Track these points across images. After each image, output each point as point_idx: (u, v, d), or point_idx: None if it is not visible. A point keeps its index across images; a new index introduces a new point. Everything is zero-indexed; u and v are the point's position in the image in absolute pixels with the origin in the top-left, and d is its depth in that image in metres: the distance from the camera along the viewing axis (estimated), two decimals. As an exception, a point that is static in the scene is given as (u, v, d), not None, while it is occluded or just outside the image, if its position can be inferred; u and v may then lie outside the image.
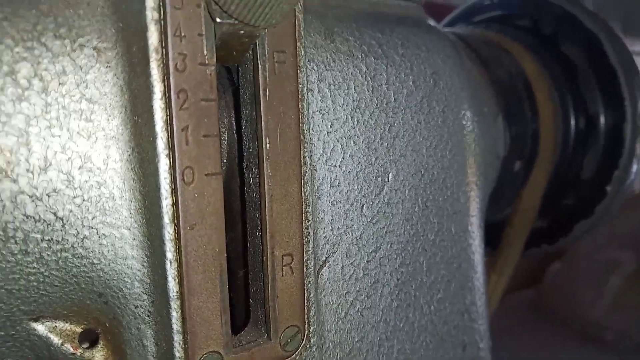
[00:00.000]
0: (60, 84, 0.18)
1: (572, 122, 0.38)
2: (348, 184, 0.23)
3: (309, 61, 0.22)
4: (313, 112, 0.22)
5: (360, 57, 0.23)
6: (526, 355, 1.25)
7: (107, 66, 0.18)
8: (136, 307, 0.20)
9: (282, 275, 0.20)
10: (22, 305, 0.20)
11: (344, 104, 0.22)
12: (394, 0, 0.29)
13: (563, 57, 0.39)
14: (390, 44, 0.25)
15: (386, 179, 0.24)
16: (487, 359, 0.29)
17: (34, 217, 0.18)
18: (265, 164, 0.19)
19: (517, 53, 0.37)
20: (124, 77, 0.18)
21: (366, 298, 0.23)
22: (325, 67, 0.22)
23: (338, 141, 0.22)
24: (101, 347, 0.21)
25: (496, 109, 0.32)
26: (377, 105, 0.23)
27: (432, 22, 0.32)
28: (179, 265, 0.18)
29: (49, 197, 0.18)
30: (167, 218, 0.18)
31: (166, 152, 0.17)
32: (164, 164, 0.17)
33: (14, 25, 0.17)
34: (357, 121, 0.23)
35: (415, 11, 0.30)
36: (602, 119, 0.38)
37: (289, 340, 0.20)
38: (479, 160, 0.29)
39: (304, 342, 0.21)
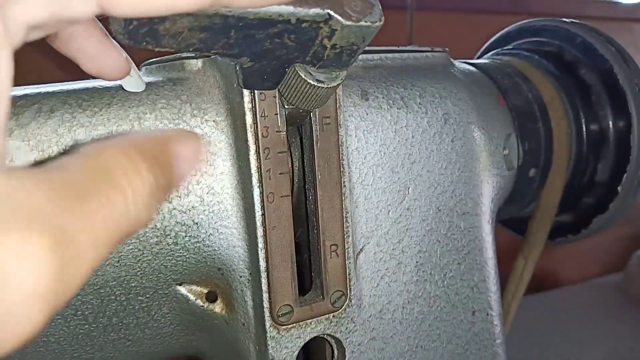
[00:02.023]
0: (195, 143, 0.30)
1: (585, 135, 0.46)
2: (377, 196, 0.33)
3: (349, 116, 0.33)
4: (351, 150, 0.33)
5: (386, 108, 0.34)
6: (612, 337, 1.28)
7: (222, 132, 0.30)
8: (241, 277, 0.31)
9: (331, 258, 0.31)
10: (173, 275, 0.32)
11: (374, 143, 0.33)
12: (421, 52, 0.39)
13: (580, 80, 0.46)
14: (410, 96, 0.35)
15: (407, 192, 0.34)
16: (497, 323, 0.39)
17: (181, 223, 0.30)
18: (317, 188, 0.30)
19: (537, 79, 0.45)
20: (232, 138, 0.30)
21: (392, 274, 0.34)
22: (360, 119, 0.33)
23: (370, 168, 0.33)
24: (219, 302, 0.34)
25: (509, 130, 0.41)
26: (398, 141, 0.34)
27: (456, 65, 0.41)
28: (266, 252, 0.30)
29: (189, 211, 0.30)
30: (259, 223, 0.29)
31: (258, 184, 0.29)
32: (257, 192, 0.29)
33: (168, 110, 0.30)
34: (384, 154, 0.33)
35: (440, 59, 0.40)
36: (611, 131, 0.45)
37: (337, 300, 0.32)
38: (487, 172, 0.38)
39: (347, 302, 0.32)
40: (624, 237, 1.77)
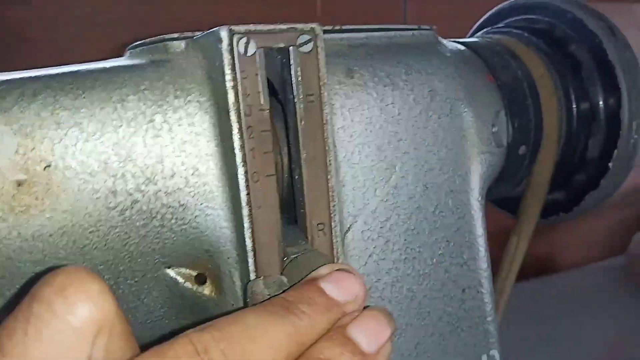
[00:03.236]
0: (179, 125, 0.30)
1: (575, 111, 0.45)
2: (364, 175, 0.33)
3: (334, 94, 0.33)
4: (337, 128, 0.32)
5: (372, 86, 0.34)
6: (615, 319, 1.28)
7: (205, 112, 0.30)
8: (228, 258, 0.31)
9: (318, 236, 0.31)
10: (161, 258, 0.32)
11: (359, 121, 0.33)
12: (408, 30, 0.39)
13: (570, 56, 0.46)
14: (396, 73, 0.35)
15: (394, 170, 0.34)
16: (487, 300, 0.39)
17: (166, 205, 0.30)
18: (303, 167, 0.30)
19: (527, 57, 0.45)
20: (216, 118, 0.30)
21: (381, 252, 0.34)
22: (345, 97, 0.33)
23: (356, 147, 0.33)
24: (208, 284, 0.34)
25: (498, 107, 0.41)
26: (384, 119, 0.34)
27: (444, 43, 0.41)
28: (252, 232, 0.30)
29: (175, 192, 0.30)
30: (244, 203, 0.29)
31: (242, 163, 0.29)
32: (241, 171, 0.29)
33: (151, 91, 0.30)
34: (370, 131, 0.33)
35: (427, 37, 0.39)
36: (602, 107, 0.45)
37: (325, 279, 0.32)
38: (475, 150, 0.38)
39: (335, 281, 0.32)
40: (626, 220, 1.77)
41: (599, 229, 1.75)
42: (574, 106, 0.45)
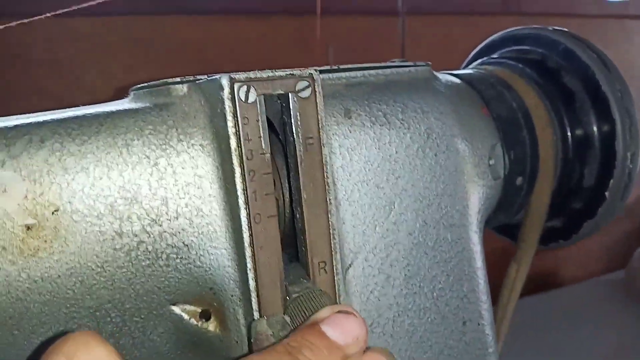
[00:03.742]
0: (182, 167, 0.31)
1: (570, 141, 0.46)
2: (364, 212, 0.34)
3: (333, 134, 0.33)
4: (336, 167, 0.33)
5: (369, 126, 0.34)
6: (616, 333, 1.29)
7: (208, 155, 0.31)
8: (232, 296, 0.32)
9: (319, 275, 0.32)
10: (166, 295, 0.33)
11: (358, 160, 0.34)
12: (404, 68, 0.40)
13: (564, 87, 0.47)
14: (392, 112, 0.35)
15: (392, 207, 0.35)
16: (488, 332, 0.39)
17: (171, 245, 0.31)
18: (304, 207, 0.31)
19: (521, 88, 0.46)
20: (219, 161, 0.31)
21: (381, 288, 0.35)
22: (344, 137, 0.34)
23: (355, 185, 0.34)
24: (213, 321, 0.34)
25: (494, 140, 0.42)
26: (382, 158, 0.34)
27: (439, 78, 0.42)
28: (255, 272, 0.30)
29: (179, 233, 0.31)
30: (247, 244, 0.30)
31: (244, 205, 0.30)
32: (244, 213, 0.30)
33: (155, 136, 0.31)
34: (368, 170, 0.34)
35: (422, 73, 0.40)
36: (596, 137, 0.46)
37: (326, 316, 0.32)
38: (473, 183, 0.39)
39: (337, 317, 0.33)
40: (626, 235, 1.78)
41: (600, 244, 1.75)
42: (569, 135, 0.46)
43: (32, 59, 0.93)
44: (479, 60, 0.53)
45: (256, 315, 0.31)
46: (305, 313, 0.29)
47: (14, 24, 0.53)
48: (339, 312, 0.27)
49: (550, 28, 0.50)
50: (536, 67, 0.48)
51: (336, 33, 1.18)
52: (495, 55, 0.52)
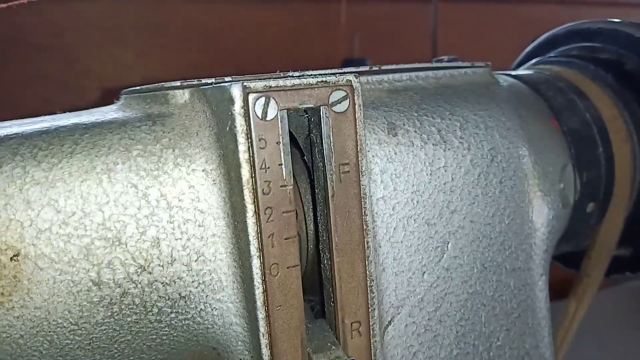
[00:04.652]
0: (179, 200, 0.24)
1: (651, 160, 0.38)
2: (409, 256, 0.27)
3: (372, 156, 0.26)
4: (377, 199, 0.26)
5: (420, 145, 0.27)
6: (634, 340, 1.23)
7: (213, 183, 0.24)
8: (240, 359, 0.25)
9: (352, 338, 0.25)
10: (158, 354, 0.26)
11: (404, 190, 0.27)
12: (460, 70, 0.32)
13: (645, 93, 0.39)
14: (449, 128, 0.28)
15: (445, 249, 0.28)
16: (551, 394, 0.32)
17: (164, 297, 0.24)
18: (334, 252, 0.24)
19: (595, 96, 0.38)
20: (226, 191, 0.24)
21: (427, 349, 0.28)
22: (387, 160, 0.26)
23: (400, 221, 0.27)
24: (217, 383, 0.28)
25: (565, 160, 0.34)
26: (435, 186, 0.27)
27: (500, 83, 0.34)
28: (270, 337, 0.23)
29: (175, 282, 0.24)
30: (259, 302, 0.23)
31: (258, 254, 0.23)
32: (256, 263, 0.23)
33: (145, 158, 0.24)
34: (417, 202, 0.27)
35: (481, 76, 0.33)
36: (684, 156, 0.38)
37: (359, 389, 0.25)
38: (540, 216, 0.31)
39: (372, 389, 0.26)
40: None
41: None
42: (651, 154, 0.38)
43: (36, 43, 0.87)
44: (538, 59, 0.45)
45: (271, 390, 0.24)
46: None
47: (13, 3, 0.47)
48: None
49: (628, 22, 0.42)
50: (612, 69, 0.40)
51: (362, 20, 1.10)
52: (555, 53, 0.44)
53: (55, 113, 0.28)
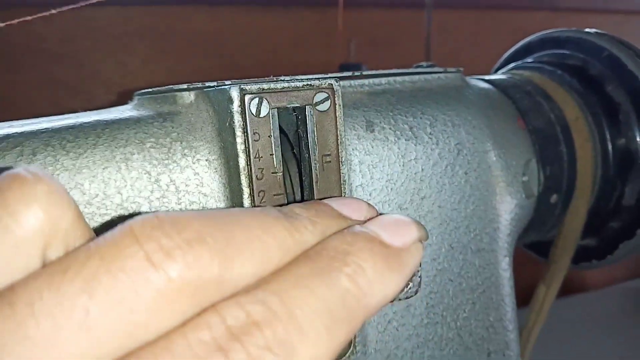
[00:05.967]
0: (186, 185, 0.28)
1: (611, 157, 0.43)
2: (384, 236, 0.31)
3: (352, 149, 0.30)
4: (355, 186, 0.30)
5: (394, 140, 0.31)
6: (634, 341, 1.26)
7: (215, 171, 0.28)
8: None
9: (333, 305, 0.29)
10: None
11: (379, 178, 0.31)
12: (433, 75, 0.36)
13: (607, 97, 0.43)
14: (420, 125, 0.32)
15: (416, 230, 0.32)
16: (514, 363, 0.36)
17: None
18: (319, 231, 0.28)
19: (560, 98, 0.42)
20: (226, 177, 0.28)
21: (401, 317, 0.32)
22: (365, 153, 0.30)
23: (376, 205, 0.31)
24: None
25: (529, 155, 0.38)
26: (406, 176, 0.31)
27: (471, 86, 0.38)
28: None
29: (182, 255, 0.28)
30: (253, 271, 0.27)
31: (251, 229, 0.27)
32: (250, 237, 0.27)
33: (157, 149, 0.28)
34: (391, 189, 0.31)
35: (453, 80, 0.37)
36: (641, 153, 0.42)
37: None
38: (504, 204, 0.35)
39: (351, 349, 0.30)
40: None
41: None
42: (610, 151, 0.42)
43: (46, 49, 0.91)
44: (513, 64, 0.49)
45: None
46: None
47: (30, 18, 0.50)
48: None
49: (593, 31, 0.46)
50: (577, 74, 0.44)
51: (359, 27, 1.14)
52: (530, 59, 0.49)
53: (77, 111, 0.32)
